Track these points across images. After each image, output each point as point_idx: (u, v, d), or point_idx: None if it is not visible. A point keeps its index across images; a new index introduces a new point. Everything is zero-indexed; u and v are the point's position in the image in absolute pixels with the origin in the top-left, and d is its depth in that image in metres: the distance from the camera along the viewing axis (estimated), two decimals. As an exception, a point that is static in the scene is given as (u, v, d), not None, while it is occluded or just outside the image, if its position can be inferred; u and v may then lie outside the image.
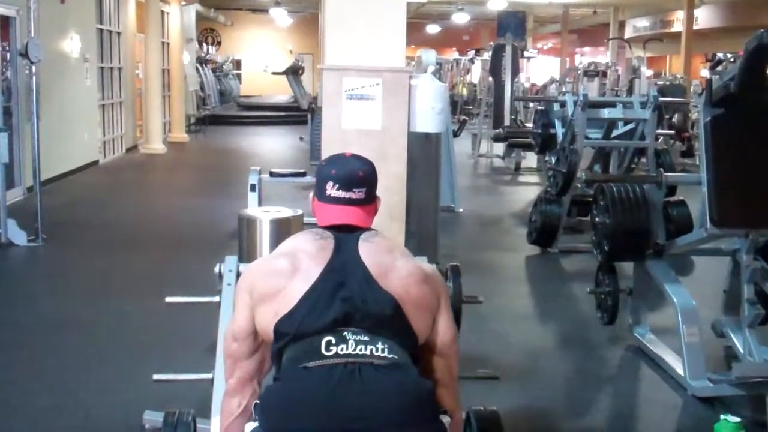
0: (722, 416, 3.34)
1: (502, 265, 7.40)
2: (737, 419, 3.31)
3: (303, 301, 1.99)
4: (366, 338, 1.97)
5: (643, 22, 26.27)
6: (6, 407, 3.98)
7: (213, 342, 3.06)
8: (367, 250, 2.07)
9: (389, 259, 2.07)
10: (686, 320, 4.39)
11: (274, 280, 2.05)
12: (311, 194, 2.21)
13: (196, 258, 6.53)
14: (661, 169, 5.45)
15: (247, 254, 3.77)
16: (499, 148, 14.14)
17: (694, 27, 20.93)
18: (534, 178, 12.88)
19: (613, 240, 4.83)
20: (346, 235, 2.10)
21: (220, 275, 3.16)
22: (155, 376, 3.33)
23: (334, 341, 1.96)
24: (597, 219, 5.04)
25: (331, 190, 2.13)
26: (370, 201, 2.17)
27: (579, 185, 7.37)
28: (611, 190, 4.84)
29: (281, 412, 1.94)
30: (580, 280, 6.28)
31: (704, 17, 21.82)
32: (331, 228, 2.13)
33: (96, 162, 12.97)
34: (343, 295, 1.99)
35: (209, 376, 2.98)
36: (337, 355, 1.94)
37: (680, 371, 4.35)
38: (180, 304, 3.49)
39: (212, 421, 2.70)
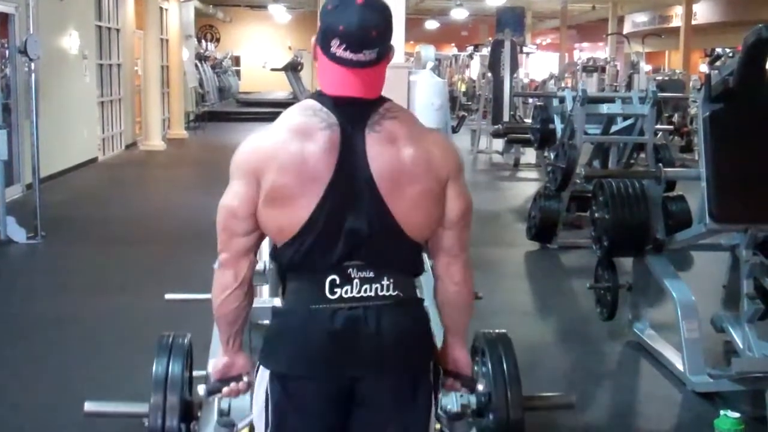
0: (722, 411, 3.35)
1: (501, 260, 7.40)
2: (737, 414, 3.32)
3: (308, 226, 1.86)
4: (371, 274, 1.90)
5: (641, 18, 26.28)
6: (5, 403, 3.99)
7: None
8: (375, 149, 1.87)
9: (394, 155, 1.88)
10: (686, 315, 4.39)
11: (283, 178, 1.85)
12: (313, 38, 1.94)
13: (195, 254, 6.52)
14: (660, 165, 5.47)
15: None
16: (498, 143, 14.14)
17: (693, 22, 20.95)
18: (533, 174, 12.88)
19: (613, 235, 4.83)
20: (353, 122, 1.88)
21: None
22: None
23: (338, 281, 1.89)
24: (596, 214, 5.04)
25: (337, 49, 1.84)
26: (382, 58, 1.89)
27: (578, 181, 7.37)
28: (610, 185, 4.84)
29: (285, 357, 1.92)
30: (580, 275, 6.28)
31: (703, 12, 21.82)
32: (335, 105, 1.89)
33: (95, 159, 12.97)
34: (350, 225, 1.86)
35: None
36: (341, 298, 1.88)
37: (680, 366, 4.36)
38: (179, 301, 3.49)
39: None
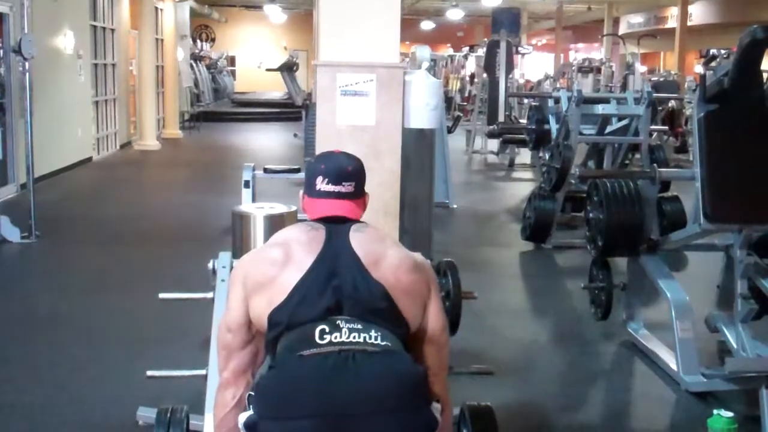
0: (715, 411, 3.35)
1: (496, 261, 7.41)
2: (730, 414, 3.33)
3: (296, 290, 2.03)
4: (359, 326, 2.01)
5: (637, 19, 26.30)
6: (1, 404, 3.97)
7: (207, 337, 3.06)
8: (358, 239, 2.12)
9: (380, 248, 2.12)
10: (680, 315, 4.40)
11: (267, 269, 2.09)
12: (301, 192, 2.27)
13: (189, 254, 6.52)
14: (655, 165, 5.46)
15: (240, 250, 3.76)
16: (494, 144, 14.15)
17: (688, 23, 20.97)
18: (528, 174, 12.89)
19: (607, 235, 4.83)
20: (337, 226, 2.15)
21: (214, 271, 3.17)
22: (149, 373, 3.33)
23: (327, 329, 1.99)
24: (591, 215, 5.04)
25: (321, 184, 2.19)
26: (359, 195, 2.23)
27: (573, 181, 7.38)
28: (605, 185, 4.85)
29: (276, 399, 1.95)
30: (574, 275, 6.29)
31: (698, 13, 21.85)
32: (322, 220, 2.18)
33: (89, 159, 12.95)
34: (335, 283, 2.04)
35: (203, 372, 2.98)
36: (331, 343, 1.97)
37: (673, 366, 4.37)
38: (174, 300, 3.49)
39: (206, 417, 2.71)
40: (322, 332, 1.98)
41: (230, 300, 2.17)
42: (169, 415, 2.73)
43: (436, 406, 2.07)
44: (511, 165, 13.51)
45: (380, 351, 1.97)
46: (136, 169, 13.05)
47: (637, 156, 8.06)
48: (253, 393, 2.03)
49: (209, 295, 3.15)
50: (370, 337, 1.99)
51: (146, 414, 3.43)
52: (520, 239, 7.69)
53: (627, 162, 8.28)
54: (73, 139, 12.15)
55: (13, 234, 7.27)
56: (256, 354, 2.17)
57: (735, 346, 4.15)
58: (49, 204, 8.57)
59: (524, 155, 13.49)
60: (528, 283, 6.89)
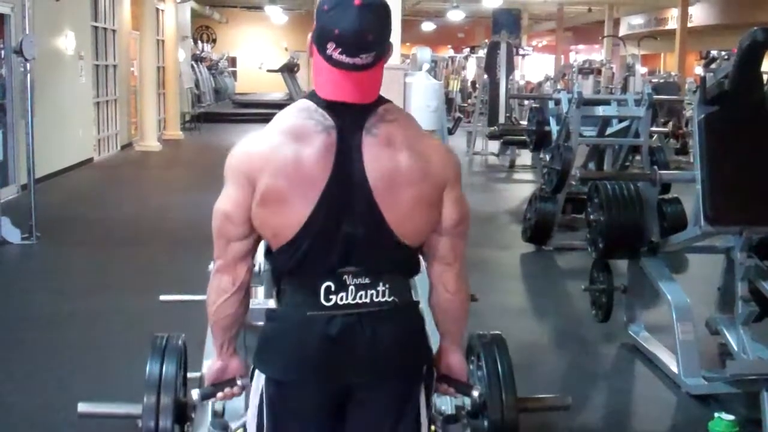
0: (716, 414, 3.36)
1: (497, 262, 7.41)
2: (731, 417, 3.33)
3: (304, 231, 1.84)
4: (367, 281, 1.89)
5: (637, 20, 26.31)
6: (1, 404, 3.98)
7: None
8: (371, 153, 1.85)
9: (392, 162, 1.86)
10: (680, 318, 4.40)
11: (278, 181, 1.83)
12: (309, 36, 1.89)
13: (190, 255, 6.51)
14: (656, 167, 5.47)
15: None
16: (494, 145, 14.16)
17: (689, 24, 20.97)
18: (529, 176, 12.88)
19: (608, 237, 4.83)
20: (350, 125, 1.85)
21: (214, 273, 3.16)
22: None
23: (333, 288, 1.87)
24: (592, 216, 5.04)
25: (333, 52, 1.80)
26: (379, 60, 1.85)
27: (573, 183, 7.38)
28: (606, 187, 4.85)
29: (281, 363, 1.92)
30: (575, 277, 6.29)
31: (699, 15, 21.85)
32: (333, 107, 1.86)
33: (91, 159, 12.95)
34: (345, 231, 1.85)
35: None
36: (336, 305, 1.88)
37: (674, 369, 4.36)
38: (174, 302, 3.49)
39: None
40: (328, 291, 1.87)
41: (233, 187, 1.91)
42: (164, 342, 2.70)
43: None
44: (512, 166, 13.51)
45: (387, 309, 1.91)
46: (137, 170, 13.05)
47: (638, 158, 8.06)
48: (257, 346, 1.97)
49: (210, 297, 3.14)
50: (378, 293, 1.89)
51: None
52: (520, 241, 7.69)
53: (627, 164, 8.29)
54: (74, 140, 12.16)
55: (14, 235, 7.27)
56: (257, 241, 1.96)
57: (736, 348, 4.15)
58: (50, 205, 8.57)
59: (525, 157, 13.49)
60: (529, 285, 6.89)
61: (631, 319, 5.02)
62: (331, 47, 1.80)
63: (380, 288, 1.90)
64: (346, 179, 1.84)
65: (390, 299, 1.91)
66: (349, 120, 1.86)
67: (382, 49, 1.84)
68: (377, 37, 1.81)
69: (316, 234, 1.84)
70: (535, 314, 6.02)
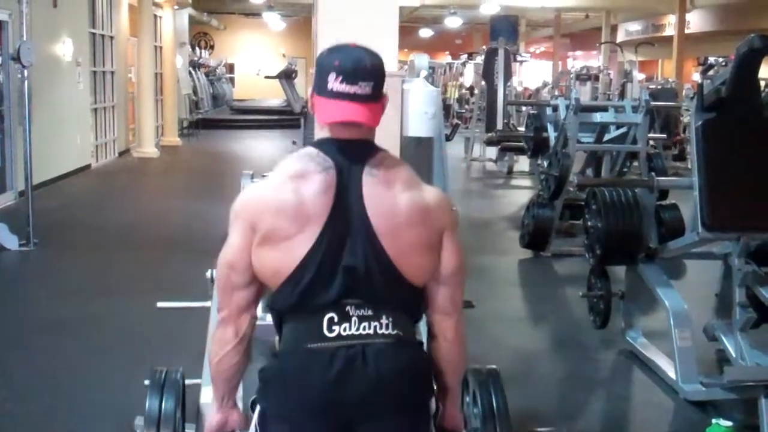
0: (714, 420, 3.35)
1: (494, 268, 7.40)
2: (729, 423, 3.32)
3: (306, 266, 1.87)
4: (369, 312, 1.90)
5: (635, 26, 26.34)
6: (0, 411, 3.98)
7: (204, 346, 3.05)
8: (372, 191, 1.90)
9: (391, 199, 1.91)
10: (678, 324, 4.39)
11: (279, 221, 1.87)
12: (309, 90, 1.98)
13: (188, 262, 6.52)
14: (653, 173, 5.46)
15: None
16: (492, 151, 14.16)
17: (686, 31, 20.99)
18: (526, 182, 12.90)
19: (606, 243, 4.83)
20: (350, 165, 1.91)
21: (212, 280, 3.16)
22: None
23: (336, 319, 1.88)
24: (589, 223, 5.04)
25: (334, 83, 1.87)
26: (377, 98, 1.92)
27: (571, 189, 7.38)
28: (603, 193, 4.85)
29: (282, 395, 1.91)
30: (573, 283, 6.28)
31: (696, 21, 21.88)
32: (335, 144, 1.93)
33: (88, 166, 12.95)
34: (347, 263, 1.87)
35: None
36: (339, 336, 1.88)
37: (672, 375, 4.36)
38: (172, 309, 3.49)
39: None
40: (331, 322, 1.88)
41: (234, 236, 1.94)
42: (163, 375, 2.70)
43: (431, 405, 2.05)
44: (510, 173, 13.52)
45: (390, 342, 1.90)
46: (135, 177, 13.05)
47: (635, 164, 8.06)
48: (259, 383, 1.97)
49: (207, 303, 3.14)
50: (381, 326, 1.90)
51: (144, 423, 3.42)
52: (518, 247, 7.69)
53: (625, 170, 8.29)
54: (72, 146, 12.15)
55: (12, 242, 7.27)
56: (259, 291, 1.98)
57: (734, 354, 4.15)
58: (48, 211, 8.56)
59: (522, 163, 13.50)
60: (526, 291, 6.89)
61: (629, 326, 5.01)
62: (332, 79, 1.87)
63: (383, 321, 1.91)
64: (346, 214, 1.88)
65: (393, 332, 1.91)
66: (350, 159, 1.92)
67: (379, 85, 1.91)
68: (374, 66, 1.90)
69: (317, 266, 1.87)
70: (533, 320, 6.01)
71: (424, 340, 2.18)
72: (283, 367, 1.94)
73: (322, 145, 1.94)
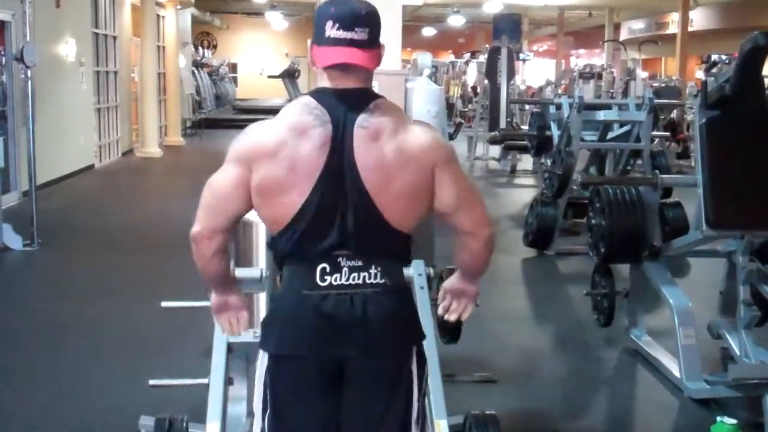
0: (718, 418, 3.34)
1: (498, 267, 7.39)
2: (733, 421, 3.31)
3: (300, 216, 1.99)
4: (359, 263, 2.03)
5: (638, 24, 26.32)
6: (2, 411, 3.97)
7: (208, 346, 3.05)
8: (361, 146, 1.98)
9: (378, 151, 1.98)
10: (682, 322, 4.39)
11: (276, 169, 1.98)
12: (309, 42, 2.06)
13: (191, 262, 6.52)
14: (657, 171, 5.45)
15: (242, 259, 3.76)
16: (495, 150, 14.16)
17: (690, 29, 20.95)
18: (530, 181, 12.89)
19: (610, 242, 4.83)
20: (344, 118, 1.99)
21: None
22: (151, 382, 3.33)
23: (328, 269, 2.01)
24: (593, 221, 5.04)
25: (331, 30, 1.97)
26: (373, 44, 2.01)
27: (575, 187, 7.37)
28: (607, 192, 4.84)
29: (281, 335, 2.05)
30: (577, 282, 6.28)
31: (699, 19, 21.85)
32: (330, 95, 2.01)
33: (92, 166, 12.96)
34: (339, 216, 1.99)
35: (205, 381, 2.97)
36: (330, 285, 2.01)
37: (676, 373, 4.36)
38: (176, 309, 3.49)
39: (208, 427, 2.70)
40: (323, 272, 2.01)
41: (229, 167, 2.06)
42: (168, 424, 2.72)
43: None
44: (513, 171, 13.51)
45: (379, 291, 2.03)
46: (139, 177, 13.06)
47: (639, 162, 8.06)
48: (261, 329, 2.12)
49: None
50: (370, 276, 2.03)
51: (148, 423, 3.42)
52: (522, 245, 7.68)
53: (629, 168, 8.28)
54: (75, 146, 12.17)
55: (16, 242, 7.27)
56: (234, 222, 2.10)
57: (738, 352, 4.14)
58: (52, 212, 8.58)
59: (526, 161, 13.50)
60: (530, 290, 6.88)
61: (633, 324, 5.01)
62: (329, 27, 1.98)
63: (372, 270, 2.04)
64: (339, 170, 1.98)
65: (382, 281, 2.04)
66: (345, 113, 2.00)
67: (375, 32, 2.00)
68: (369, 14, 2.00)
69: (311, 218, 1.99)
70: (537, 319, 6.01)
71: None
72: (280, 308, 2.10)
73: (320, 95, 2.03)
